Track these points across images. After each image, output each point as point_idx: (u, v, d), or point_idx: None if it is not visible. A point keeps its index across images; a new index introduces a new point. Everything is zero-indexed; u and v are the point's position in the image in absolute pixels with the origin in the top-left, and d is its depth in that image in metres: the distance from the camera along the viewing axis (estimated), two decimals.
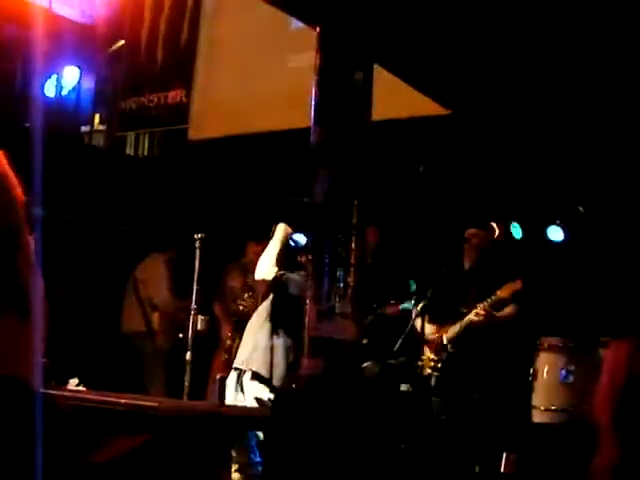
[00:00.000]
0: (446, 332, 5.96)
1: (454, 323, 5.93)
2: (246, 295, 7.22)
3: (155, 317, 7.69)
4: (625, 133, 5.55)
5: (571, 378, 5.66)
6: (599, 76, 4.79)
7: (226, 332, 7.35)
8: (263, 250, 7.04)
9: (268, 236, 6.26)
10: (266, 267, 5.58)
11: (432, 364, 5.88)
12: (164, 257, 7.87)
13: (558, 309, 6.04)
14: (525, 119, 5.54)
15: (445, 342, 5.92)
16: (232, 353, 6.97)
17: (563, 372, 5.67)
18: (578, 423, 5.34)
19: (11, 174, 0.79)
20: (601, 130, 5.60)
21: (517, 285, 5.81)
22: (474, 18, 3.97)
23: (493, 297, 5.82)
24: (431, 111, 6.02)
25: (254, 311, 6.69)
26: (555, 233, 6.98)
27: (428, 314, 5.94)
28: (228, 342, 7.20)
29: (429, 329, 5.96)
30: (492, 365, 5.82)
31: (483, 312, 5.80)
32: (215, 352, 7.51)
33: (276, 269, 5.53)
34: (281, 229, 5.77)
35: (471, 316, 5.86)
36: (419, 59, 4.44)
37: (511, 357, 5.94)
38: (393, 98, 5.66)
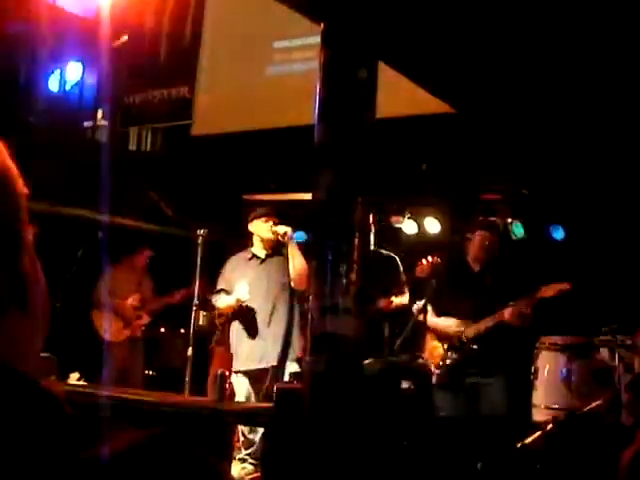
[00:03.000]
0: (467, 328, 5.86)
1: (473, 319, 5.85)
2: None
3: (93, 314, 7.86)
4: (627, 130, 5.55)
5: (572, 377, 5.65)
6: (601, 76, 4.79)
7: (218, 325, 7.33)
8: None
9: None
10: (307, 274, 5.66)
11: (444, 359, 5.84)
12: (129, 259, 8.06)
13: (559, 308, 6.04)
14: (529, 118, 5.54)
15: (464, 339, 5.83)
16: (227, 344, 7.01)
17: (564, 371, 5.67)
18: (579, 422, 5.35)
19: (13, 167, 0.79)
20: (604, 128, 5.60)
21: (566, 286, 5.71)
22: (479, 16, 3.97)
23: (534, 296, 5.74)
24: (435, 109, 6.02)
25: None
26: (556, 232, 7.01)
27: (436, 309, 5.93)
28: (220, 320, 7.16)
29: (445, 323, 5.90)
30: (504, 362, 5.79)
31: (519, 311, 5.74)
32: (214, 348, 7.52)
33: None
34: (290, 231, 5.88)
35: (505, 315, 5.72)
36: (424, 57, 4.44)
37: (517, 354, 5.91)
38: (397, 96, 5.67)
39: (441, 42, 4.29)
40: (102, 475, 0.73)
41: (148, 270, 8.20)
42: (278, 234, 5.97)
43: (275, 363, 5.88)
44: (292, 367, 5.75)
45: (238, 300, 6.03)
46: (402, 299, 6.32)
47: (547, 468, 4.53)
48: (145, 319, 7.93)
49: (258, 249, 6.17)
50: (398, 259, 6.57)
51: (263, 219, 6.08)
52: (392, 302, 6.24)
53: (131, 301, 7.87)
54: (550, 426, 4.79)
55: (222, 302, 6.15)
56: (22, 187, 0.86)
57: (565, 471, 4.50)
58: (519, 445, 4.53)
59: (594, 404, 5.17)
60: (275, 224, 6.03)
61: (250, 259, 6.18)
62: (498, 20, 4.04)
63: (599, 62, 4.62)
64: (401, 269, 6.50)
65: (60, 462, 0.71)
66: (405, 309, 6.18)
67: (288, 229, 5.94)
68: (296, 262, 5.83)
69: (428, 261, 6.08)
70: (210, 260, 6.70)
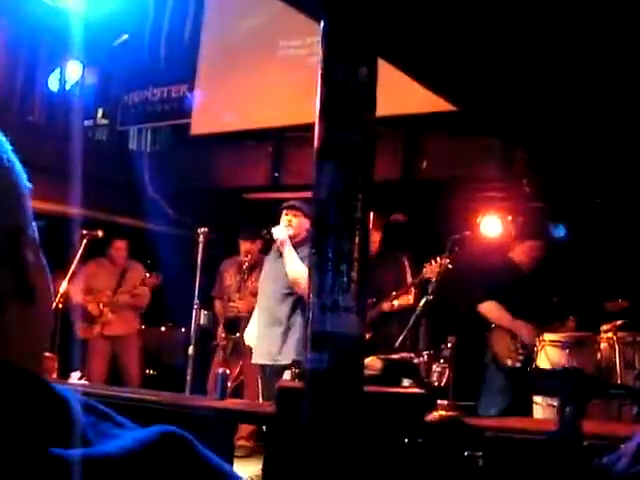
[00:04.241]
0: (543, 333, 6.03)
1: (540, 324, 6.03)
2: (237, 296, 7.24)
3: None
4: (632, 127, 5.55)
5: None
6: (606, 73, 4.79)
7: (220, 332, 7.36)
8: (254, 247, 7.12)
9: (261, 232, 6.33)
10: (302, 276, 5.49)
11: (518, 356, 6.01)
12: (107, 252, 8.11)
13: (560, 304, 6.06)
14: (532, 115, 5.54)
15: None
16: (226, 352, 7.07)
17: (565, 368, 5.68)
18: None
19: (16, 162, 0.79)
20: (608, 125, 5.60)
21: (626, 304, 6.08)
22: (482, 12, 3.97)
23: (599, 311, 6.10)
24: (437, 107, 6.02)
25: (247, 312, 6.80)
26: (557, 229, 7.00)
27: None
28: (222, 342, 7.22)
29: (522, 329, 6.03)
30: None
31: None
32: (215, 347, 7.54)
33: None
34: (283, 235, 5.78)
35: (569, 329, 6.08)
36: (425, 54, 4.44)
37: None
38: (398, 93, 5.67)
39: (443, 39, 4.28)
40: (111, 473, 0.73)
41: (133, 258, 8.19)
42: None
43: (269, 362, 5.87)
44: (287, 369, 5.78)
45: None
46: (407, 299, 6.36)
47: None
48: (109, 315, 7.83)
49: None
50: (405, 259, 6.59)
51: (283, 212, 6.00)
52: (394, 305, 6.29)
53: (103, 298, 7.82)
54: None
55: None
56: (26, 182, 0.86)
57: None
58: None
59: None
60: (295, 217, 5.92)
61: (276, 252, 6.14)
62: (502, 16, 4.03)
63: (601, 56, 4.62)
64: (407, 269, 6.52)
65: (66, 461, 0.71)
66: (410, 308, 6.23)
67: (280, 234, 5.82)
68: (288, 267, 5.73)
69: (436, 262, 6.13)
70: (210, 259, 6.72)
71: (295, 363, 5.56)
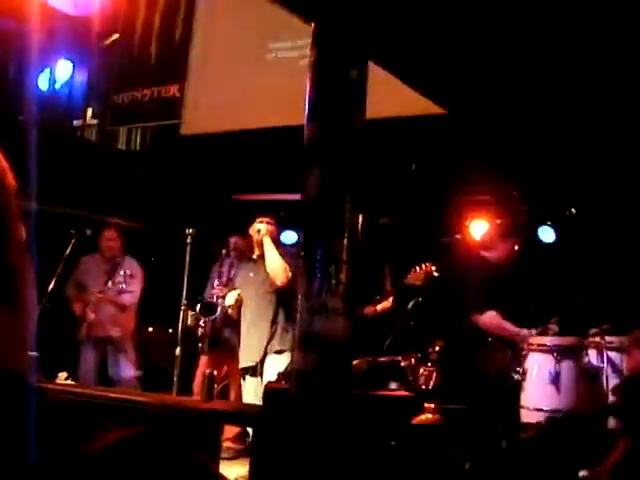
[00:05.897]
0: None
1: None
2: (217, 282, 7.21)
3: None
4: (619, 132, 5.57)
5: (560, 378, 5.66)
6: (593, 77, 4.80)
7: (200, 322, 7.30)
8: (243, 242, 7.15)
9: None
10: (281, 270, 5.77)
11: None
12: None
13: (548, 309, 6.06)
14: (519, 119, 5.55)
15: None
16: (205, 342, 7.04)
17: (552, 372, 5.67)
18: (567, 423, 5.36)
19: (3, 161, 0.78)
20: (594, 130, 5.62)
21: None
22: (471, 16, 3.98)
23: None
24: (426, 110, 6.02)
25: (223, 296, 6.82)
26: (546, 234, 7.02)
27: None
28: (200, 331, 7.15)
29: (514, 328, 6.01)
30: None
31: None
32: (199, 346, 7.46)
33: (288, 267, 5.73)
34: (264, 228, 5.95)
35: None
36: (414, 57, 4.44)
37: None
38: (388, 96, 5.67)
39: (432, 43, 4.29)
40: (88, 472, 0.72)
41: (128, 252, 7.61)
42: (255, 232, 6.08)
43: (258, 359, 5.97)
44: (271, 362, 5.84)
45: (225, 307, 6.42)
46: (386, 303, 6.40)
47: (533, 471, 4.53)
48: (92, 316, 7.31)
49: (255, 250, 6.24)
50: (386, 266, 6.60)
51: (258, 219, 6.16)
52: (377, 310, 6.33)
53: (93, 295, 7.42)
54: (536, 429, 4.84)
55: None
56: (12, 181, 0.85)
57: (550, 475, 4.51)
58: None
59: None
60: (268, 224, 6.10)
61: (250, 259, 6.31)
62: (489, 20, 4.04)
63: (592, 62, 4.64)
64: (387, 276, 6.55)
65: (46, 460, 0.70)
66: (390, 311, 6.27)
67: (262, 226, 6.01)
68: (268, 259, 5.89)
69: (422, 269, 6.12)
70: (198, 259, 6.71)
71: (279, 351, 5.70)
